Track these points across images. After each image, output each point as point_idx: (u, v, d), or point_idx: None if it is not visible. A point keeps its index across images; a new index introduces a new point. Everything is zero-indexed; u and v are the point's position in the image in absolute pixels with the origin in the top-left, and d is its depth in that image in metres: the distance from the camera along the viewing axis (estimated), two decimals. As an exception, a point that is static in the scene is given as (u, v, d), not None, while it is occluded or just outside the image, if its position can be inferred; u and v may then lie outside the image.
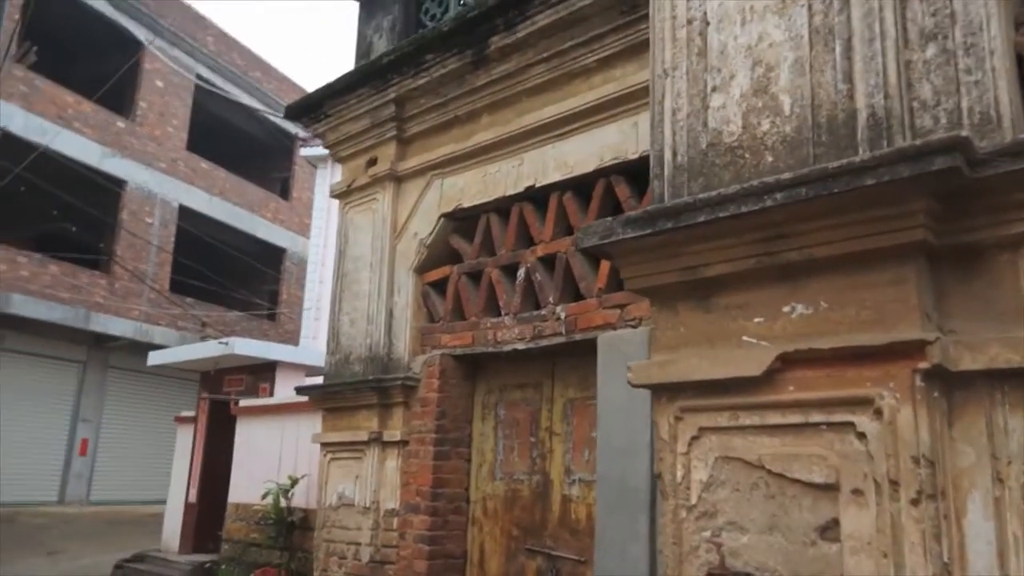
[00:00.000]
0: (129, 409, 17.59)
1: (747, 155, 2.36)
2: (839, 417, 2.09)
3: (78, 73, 16.50)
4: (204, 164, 18.89)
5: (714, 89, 2.49)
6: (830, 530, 2.07)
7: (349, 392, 5.51)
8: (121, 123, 17.02)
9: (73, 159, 15.48)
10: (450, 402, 5.17)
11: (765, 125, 2.35)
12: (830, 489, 2.08)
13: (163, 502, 10.99)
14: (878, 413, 2.01)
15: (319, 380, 6.26)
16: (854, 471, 2.04)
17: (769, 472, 2.18)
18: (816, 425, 2.12)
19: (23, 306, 14.80)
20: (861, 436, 2.04)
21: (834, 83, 2.24)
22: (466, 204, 5.24)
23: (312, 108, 6.06)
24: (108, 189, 16.37)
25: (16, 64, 14.51)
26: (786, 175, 2.06)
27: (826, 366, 2.12)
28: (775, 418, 2.19)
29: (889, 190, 1.93)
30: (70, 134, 15.61)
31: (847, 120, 2.20)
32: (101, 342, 16.83)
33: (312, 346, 11.94)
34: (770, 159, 2.31)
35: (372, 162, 5.80)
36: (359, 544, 5.31)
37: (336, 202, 6.34)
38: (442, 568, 4.99)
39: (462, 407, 5.24)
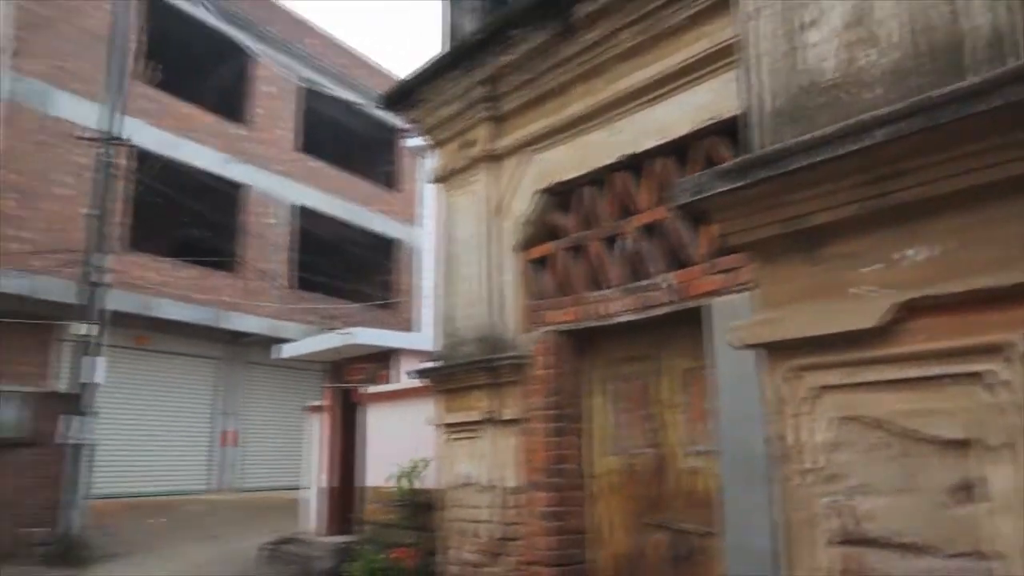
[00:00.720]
0: (266, 401, 18.63)
1: (845, 94, 2.19)
2: (967, 367, 1.90)
3: (194, 85, 17.42)
4: (316, 163, 19.62)
5: (806, 26, 2.32)
6: (966, 490, 1.90)
7: (461, 373, 5.59)
8: (238, 130, 17.90)
9: (199, 168, 16.44)
10: (561, 379, 5.15)
11: (863, 59, 2.16)
12: (963, 446, 1.91)
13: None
14: (1010, 361, 1.83)
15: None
16: (989, 425, 1.86)
17: (893, 431, 2.03)
18: (941, 377, 1.95)
19: (165, 309, 15.88)
20: (993, 387, 1.86)
21: (937, 4, 2.04)
22: (562, 178, 5.19)
23: (406, 95, 6.13)
24: (231, 194, 17.30)
25: (141, 83, 15.46)
26: (885, 109, 1.89)
27: (949, 313, 1.94)
28: (895, 372, 2.03)
29: (1004, 115, 1.74)
30: (194, 145, 16.58)
31: (954, 45, 2.00)
32: (236, 339, 17.84)
33: (429, 332, 12.18)
34: (870, 96, 2.12)
35: (468, 144, 5.82)
36: (483, 522, 5.38)
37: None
38: (566, 544, 4.99)
39: (573, 383, 5.21)
